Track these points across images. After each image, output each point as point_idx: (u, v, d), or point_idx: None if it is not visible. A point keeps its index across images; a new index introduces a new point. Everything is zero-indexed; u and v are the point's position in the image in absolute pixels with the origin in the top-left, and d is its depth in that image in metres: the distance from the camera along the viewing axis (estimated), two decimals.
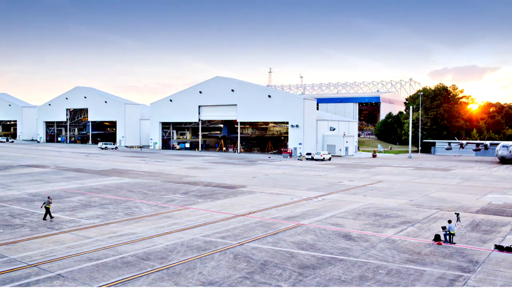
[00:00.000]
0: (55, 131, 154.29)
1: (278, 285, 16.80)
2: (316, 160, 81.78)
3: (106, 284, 16.67)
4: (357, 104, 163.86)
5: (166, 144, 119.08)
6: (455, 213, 26.10)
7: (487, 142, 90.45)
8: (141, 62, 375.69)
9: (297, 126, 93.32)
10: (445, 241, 23.32)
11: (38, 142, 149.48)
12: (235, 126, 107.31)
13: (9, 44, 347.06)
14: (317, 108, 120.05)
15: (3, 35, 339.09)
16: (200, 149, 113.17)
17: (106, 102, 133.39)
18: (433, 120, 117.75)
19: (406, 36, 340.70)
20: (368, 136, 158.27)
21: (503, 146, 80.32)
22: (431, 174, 59.85)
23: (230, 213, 30.74)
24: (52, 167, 62.01)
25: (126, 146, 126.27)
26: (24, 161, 71.38)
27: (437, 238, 23.55)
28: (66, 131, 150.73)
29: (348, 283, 17.18)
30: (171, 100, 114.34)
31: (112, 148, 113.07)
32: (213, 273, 18.09)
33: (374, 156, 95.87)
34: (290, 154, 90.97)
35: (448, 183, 50.36)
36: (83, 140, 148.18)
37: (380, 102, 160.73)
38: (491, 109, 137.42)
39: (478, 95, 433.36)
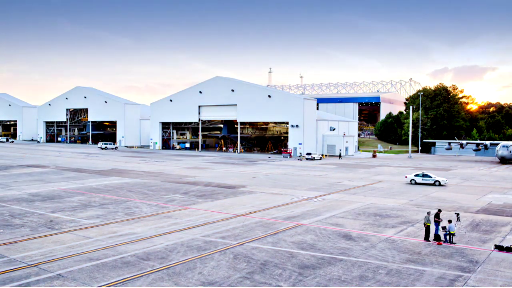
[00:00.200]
0: (55, 131, 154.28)
1: (278, 285, 16.80)
2: (314, 160, 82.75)
3: (106, 284, 16.67)
4: (357, 104, 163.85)
5: (166, 144, 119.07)
6: (455, 213, 26.11)
7: (487, 142, 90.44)
8: (141, 62, 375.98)
9: (297, 126, 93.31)
10: (445, 241, 23.32)
11: (38, 142, 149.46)
12: (235, 126, 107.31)
13: (9, 44, 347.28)
14: (317, 108, 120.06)
15: (3, 35, 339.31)
16: (200, 149, 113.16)
17: (106, 102, 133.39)
18: (433, 120, 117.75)
19: (406, 35, 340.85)
20: (368, 136, 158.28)
21: (503, 146, 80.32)
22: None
23: (230, 213, 30.74)
24: (52, 167, 62.01)
25: (126, 146, 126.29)
26: (24, 161, 71.38)
27: (437, 238, 23.56)
28: (66, 131, 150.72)
29: (348, 283, 17.18)
30: (171, 100, 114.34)
31: (112, 148, 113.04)
32: (213, 273, 18.09)
33: (374, 156, 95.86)
34: (290, 154, 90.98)
35: (448, 183, 50.35)
36: (83, 140, 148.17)
37: (380, 102, 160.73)
38: (491, 109, 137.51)
39: (478, 95, 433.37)
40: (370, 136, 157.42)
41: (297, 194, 39.80)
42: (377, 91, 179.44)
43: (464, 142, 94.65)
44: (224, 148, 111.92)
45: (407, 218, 29.75)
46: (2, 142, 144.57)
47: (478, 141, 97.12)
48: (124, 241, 22.84)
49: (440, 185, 47.42)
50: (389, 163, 78.39)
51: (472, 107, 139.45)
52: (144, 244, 22.39)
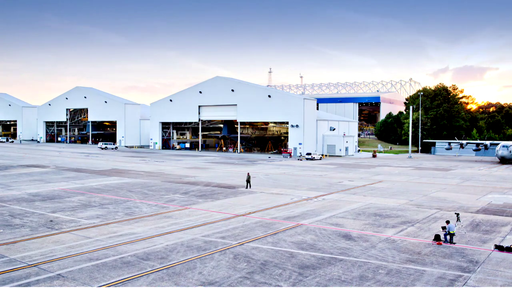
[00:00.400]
0: (55, 131, 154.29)
1: (278, 285, 16.80)
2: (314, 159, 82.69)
3: (106, 284, 16.67)
4: (357, 104, 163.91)
5: (166, 144, 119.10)
6: (455, 213, 26.12)
7: (487, 142, 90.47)
8: (141, 62, 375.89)
9: (297, 126, 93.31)
10: (445, 241, 23.32)
11: (38, 142, 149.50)
12: (235, 126, 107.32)
13: (9, 43, 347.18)
14: (317, 108, 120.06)
15: (4, 35, 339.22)
16: (200, 149, 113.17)
17: (106, 102, 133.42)
18: (433, 120, 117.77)
19: (401, 31, 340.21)
20: (368, 136, 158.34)
21: (503, 146, 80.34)
22: (431, 174, 59.85)
23: (230, 213, 30.74)
24: (52, 167, 62.01)
25: (126, 146, 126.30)
26: (24, 161, 71.38)
27: (437, 238, 23.55)
28: (66, 131, 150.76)
29: (348, 283, 17.17)
30: (171, 100, 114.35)
31: (112, 148, 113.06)
32: (213, 273, 18.09)
33: (374, 156, 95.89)
34: (290, 154, 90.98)
35: (448, 183, 50.36)
36: (83, 140, 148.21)
37: (380, 102, 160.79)
38: (491, 109, 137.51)
39: (478, 95, 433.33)
40: (370, 136, 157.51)
41: (297, 194, 39.80)
42: (377, 91, 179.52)
43: (464, 142, 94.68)
44: (224, 148, 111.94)
45: (407, 218, 29.75)
46: (2, 142, 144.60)
47: (478, 141, 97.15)
48: (124, 241, 22.83)
49: None
50: (389, 163, 78.40)
51: (472, 107, 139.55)
52: (144, 244, 22.39)
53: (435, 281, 17.52)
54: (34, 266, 18.66)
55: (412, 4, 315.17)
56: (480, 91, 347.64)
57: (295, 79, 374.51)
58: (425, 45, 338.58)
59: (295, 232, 25.51)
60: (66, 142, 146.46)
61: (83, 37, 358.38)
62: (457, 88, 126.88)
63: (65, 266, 18.70)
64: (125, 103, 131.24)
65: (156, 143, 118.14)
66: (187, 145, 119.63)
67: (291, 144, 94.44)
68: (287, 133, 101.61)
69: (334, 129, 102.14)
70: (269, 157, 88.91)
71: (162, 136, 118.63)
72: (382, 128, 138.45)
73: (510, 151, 78.75)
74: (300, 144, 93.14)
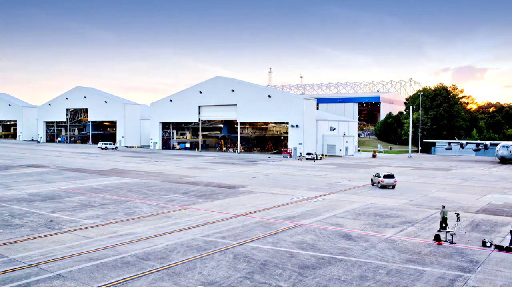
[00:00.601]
0: (55, 131, 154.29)
1: (278, 285, 16.80)
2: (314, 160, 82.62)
3: (106, 284, 16.67)
4: (357, 104, 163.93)
5: (166, 144, 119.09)
6: (455, 213, 26.10)
7: (487, 142, 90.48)
8: (141, 62, 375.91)
9: (297, 126, 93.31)
10: (445, 241, 23.31)
11: (38, 142, 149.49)
12: (235, 126, 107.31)
13: (9, 43, 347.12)
14: (317, 108, 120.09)
15: (4, 35, 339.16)
16: (200, 149, 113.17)
17: (106, 102, 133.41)
18: (433, 120, 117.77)
19: (397, 29, 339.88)
20: (368, 136, 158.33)
21: (503, 146, 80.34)
22: (431, 174, 59.86)
23: (230, 213, 30.74)
24: (52, 167, 62.01)
25: (126, 146, 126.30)
26: (24, 161, 71.38)
27: (437, 238, 23.56)
28: (66, 131, 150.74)
29: (348, 283, 17.18)
30: (171, 100, 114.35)
31: (112, 148, 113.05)
32: (213, 273, 18.09)
33: (374, 156, 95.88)
34: (290, 154, 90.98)
35: (448, 183, 50.37)
36: (83, 140, 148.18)
37: (380, 102, 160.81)
38: (491, 109, 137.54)
39: (478, 95, 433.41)
40: (370, 136, 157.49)
41: (297, 194, 39.80)
42: (377, 91, 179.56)
43: (464, 142, 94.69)
44: (224, 148, 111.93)
45: (407, 218, 29.75)
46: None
47: (478, 141, 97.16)
48: (124, 241, 22.83)
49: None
50: (389, 163, 78.39)
51: (472, 107, 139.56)
52: (144, 244, 22.39)
53: (435, 281, 17.52)
54: (34, 266, 18.66)
55: (408, 1, 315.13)
56: (480, 91, 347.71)
57: (295, 79, 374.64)
58: (423, 43, 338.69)
59: (295, 232, 25.51)
60: (66, 142, 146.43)
61: (83, 37, 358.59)
62: (457, 88, 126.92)
63: (65, 266, 18.70)
64: (125, 103, 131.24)
65: (156, 143, 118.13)
66: (187, 145, 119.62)
67: (291, 144, 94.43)
68: (287, 133, 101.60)
69: (334, 129, 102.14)
70: (269, 157, 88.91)
71: (162, 136, 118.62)
72: (382, 128, 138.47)
73: (510, 151, 78.75)
74: (300, 144, 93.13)
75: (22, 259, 19.53)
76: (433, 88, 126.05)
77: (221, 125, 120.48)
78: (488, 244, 22.42)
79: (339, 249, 21.91)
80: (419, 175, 58.15)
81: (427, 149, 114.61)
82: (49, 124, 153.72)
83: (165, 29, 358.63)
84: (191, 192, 40.60)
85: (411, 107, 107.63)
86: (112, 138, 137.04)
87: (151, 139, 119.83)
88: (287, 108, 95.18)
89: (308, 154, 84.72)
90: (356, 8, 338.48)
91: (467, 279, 17.80)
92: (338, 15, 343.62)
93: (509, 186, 47.76)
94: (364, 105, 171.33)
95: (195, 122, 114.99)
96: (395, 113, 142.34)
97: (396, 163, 78.51)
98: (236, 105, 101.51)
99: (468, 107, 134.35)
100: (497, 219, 29.79)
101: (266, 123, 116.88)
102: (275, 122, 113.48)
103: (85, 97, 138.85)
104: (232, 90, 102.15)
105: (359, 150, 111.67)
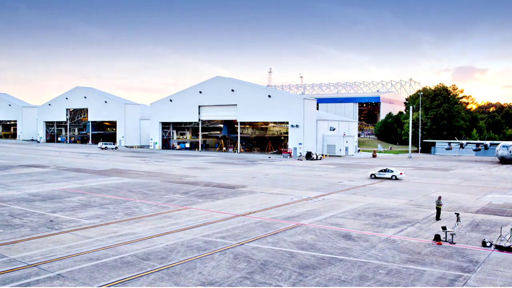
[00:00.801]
0: (55, 131, 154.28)
1: (278, 285, 16.80)
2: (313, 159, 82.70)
3: (106, 284, 16.67)
4: (357, 104, 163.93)
5: (166, 144, 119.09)
6: (455, 213, 26.11)
7: (487, 142, 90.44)
8: (141, 62, 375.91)
9: (297, 126, 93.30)
10: (445, 240, 23.31)
11: (38, 142, 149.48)
12: (235, 126, 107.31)
13: (9, 43, 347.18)
14: (317, 108, 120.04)
15: (4, 35, 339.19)
16: (200, 149, 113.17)
17: (106, 102, 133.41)
18: (433, 120, 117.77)
19: (395, 26, 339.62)
20: (368, 136, 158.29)
21: (503, 146, 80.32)
22: (431, 174, 59.85)
23: (230, 213, 30.74)
24: (52, 167, 62.01)
25: (126, 146, 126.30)
26: (24, 161, 71.38)
27: (437, 238, 23.57)
28: (66, 131, 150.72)
29: (348, 283, 17.18)
30: (171, 100, 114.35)
31: (112, 148, 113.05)
32: (213, 273, 18.09)
33: (374, 156, 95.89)
34: (290, 154, 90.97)
35: (448, 183, 50.37)
36: (83, 140, 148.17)
37: (380, 102, 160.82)
38: (491, 109, 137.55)
39: (478, 95, 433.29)
40: (370, 136, 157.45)
41: (297, 194, 39.80)
42: (377, 91, 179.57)
43: (464, 142, 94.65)
44: (224, 148, 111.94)
45: (407, 218, 29.75)
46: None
47: (478, 141, 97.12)
48: (124, 241, 22.83)
49: (396, 178, 51.50)
50: (389, 163, 78.36)
51: (472, 107, 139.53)
52: (144, 244, 22.39)
53: (435, 281, 17.52)
54: (34, 266, 18.67)
55: (408, 0, 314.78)
56: (480, 91, 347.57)
57: (295, 79, 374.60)
58: (422, 42, 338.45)
59: (295, 232, 25.51)
60: (66, 142, 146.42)
61: (83, 37, 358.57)
62: (457, 88, 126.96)
63: (65, 266, 18.70)
64: (125, 103, 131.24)
65: (156, 143, 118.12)
66: (187, 145, 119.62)
67: (291, 144, 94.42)
68: (287, 133, 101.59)
69: (334, 129, 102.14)
70: (269, 157, 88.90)
71: (162, 136, 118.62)
72: (382, 128, 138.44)
73: (510, 151, 78.73)
74: (300, 144, 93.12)
75: (22, 259, 19.53)
76: (433, 88, 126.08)
77: (221, 125, 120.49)
78: (488, 244, 22.42)
79: (339, 249, 21.91)
80: (419, 175, 58.14)
81: (427, 149, 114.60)
82: (49, 124, 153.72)
83: (165, 29, 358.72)
84: (191, 192, 40.60)
85: (411, 107, 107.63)
86: (112, 138, 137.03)
87: (151, 139, 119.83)
88: (287, 108, 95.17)
89: (308, 154, 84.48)
90: (355, 6, 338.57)
91: (467, 279, 17.80)
92: (338, 14, 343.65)
93: (509, 186, 47.75)
94: (364, 105, 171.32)
95: (195, 122, 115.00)
96: (395, 113, 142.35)
97: (396, 163, 78.49)
98: (236, 105, 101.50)
99: (468, 107, 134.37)
100: (497, 219, 29.79)
101: (266, 123, 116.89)
102: (275, 122, 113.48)
103: (85, 97, 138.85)
104: (232, 90, 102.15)
105: (359, 150, 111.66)
